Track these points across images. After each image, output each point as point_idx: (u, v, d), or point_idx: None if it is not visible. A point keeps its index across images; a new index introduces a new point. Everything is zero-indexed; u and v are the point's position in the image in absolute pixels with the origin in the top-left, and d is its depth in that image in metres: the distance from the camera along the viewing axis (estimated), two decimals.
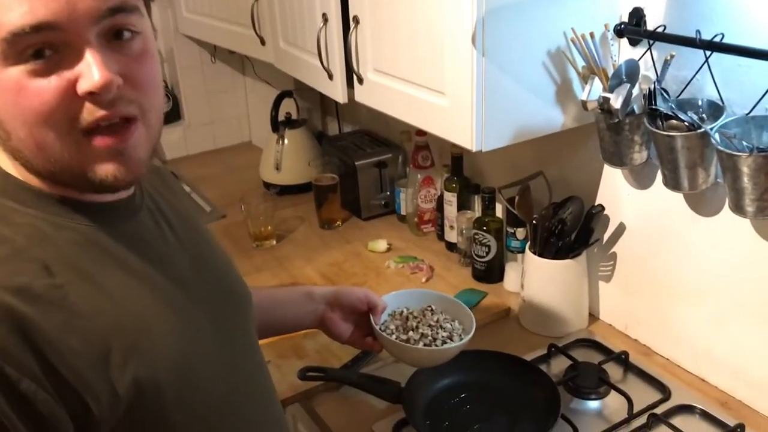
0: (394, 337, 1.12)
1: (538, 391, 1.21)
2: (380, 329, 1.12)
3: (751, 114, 1.05)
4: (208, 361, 0.79)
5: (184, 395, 0.74)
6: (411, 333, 1.13)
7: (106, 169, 0.67)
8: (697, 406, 1.23)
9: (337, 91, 1.51)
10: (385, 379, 1.23)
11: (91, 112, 0.64)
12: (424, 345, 1.11)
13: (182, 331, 0.76)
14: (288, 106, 2.24)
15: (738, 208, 1.08)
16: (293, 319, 1.19)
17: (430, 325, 1.14)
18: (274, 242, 1.89)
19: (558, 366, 1.36)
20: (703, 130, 1.09)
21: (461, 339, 1.13)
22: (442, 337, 1.13)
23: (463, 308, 1.17)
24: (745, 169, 1.03)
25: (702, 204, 1.23)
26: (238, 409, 0.83)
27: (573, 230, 1.41)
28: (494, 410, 1.21)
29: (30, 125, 0.64)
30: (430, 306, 1.18)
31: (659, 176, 1.23)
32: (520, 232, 1.59)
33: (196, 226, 0.91)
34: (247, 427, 0.85)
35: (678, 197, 1.25)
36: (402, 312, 1.17)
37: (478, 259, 1.65)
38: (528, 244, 1.46)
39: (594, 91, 1.19)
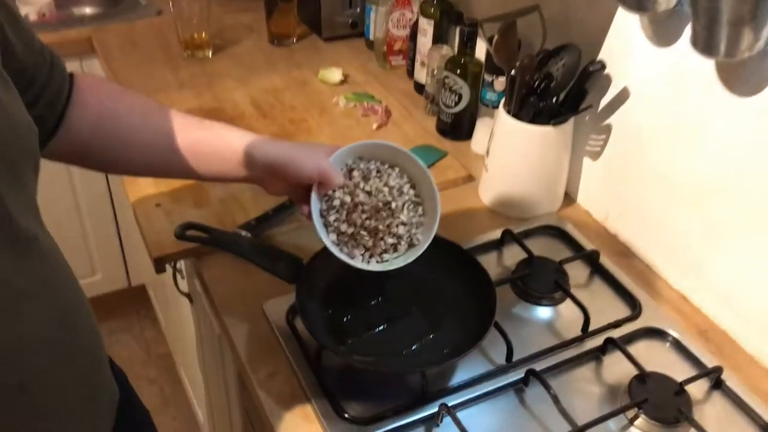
0: (333, 218, 0.86)
1: (472, 291, 0.94)
2: (322, 200, 0.87)
3: None
4: None
5: None
6: (353, 228, 0.86)
7: None
8: (670, 332, 0.98)
9: None
10: (281, 254, 0.95)
11: None
12: (360, 255, 0.86)
13: None
14: None
15: None
16: (217, 175, 0.90)
17: (377, 230, 0.86)
18: (209, 54, 1.56)
19: (511, 257, 1.10)
20: None
21: (405, 252, 0.87)
22: (384, 245, 0.87)
23: (434, 195, 0.87)
24: None
25: (738, 78, 0.90)
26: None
27: (561, 89, 1.08)
28: (411, 309, 0.95)
29: None
30: (389, 202, 0.87)
31: (688, 32, 0.89)
32: (499, 83, 1.26)
33: None
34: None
35: (708, 64, 0.92)
36: (358, 184, 0.87)
37: (445, 108, 1.33)
38: (504, 99, 1.14)
39: None
